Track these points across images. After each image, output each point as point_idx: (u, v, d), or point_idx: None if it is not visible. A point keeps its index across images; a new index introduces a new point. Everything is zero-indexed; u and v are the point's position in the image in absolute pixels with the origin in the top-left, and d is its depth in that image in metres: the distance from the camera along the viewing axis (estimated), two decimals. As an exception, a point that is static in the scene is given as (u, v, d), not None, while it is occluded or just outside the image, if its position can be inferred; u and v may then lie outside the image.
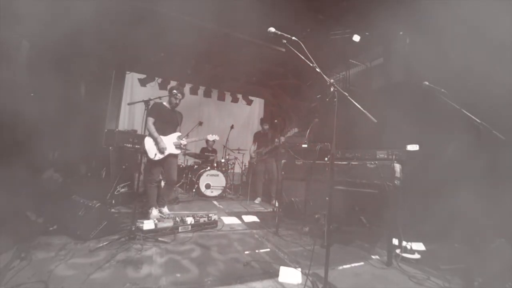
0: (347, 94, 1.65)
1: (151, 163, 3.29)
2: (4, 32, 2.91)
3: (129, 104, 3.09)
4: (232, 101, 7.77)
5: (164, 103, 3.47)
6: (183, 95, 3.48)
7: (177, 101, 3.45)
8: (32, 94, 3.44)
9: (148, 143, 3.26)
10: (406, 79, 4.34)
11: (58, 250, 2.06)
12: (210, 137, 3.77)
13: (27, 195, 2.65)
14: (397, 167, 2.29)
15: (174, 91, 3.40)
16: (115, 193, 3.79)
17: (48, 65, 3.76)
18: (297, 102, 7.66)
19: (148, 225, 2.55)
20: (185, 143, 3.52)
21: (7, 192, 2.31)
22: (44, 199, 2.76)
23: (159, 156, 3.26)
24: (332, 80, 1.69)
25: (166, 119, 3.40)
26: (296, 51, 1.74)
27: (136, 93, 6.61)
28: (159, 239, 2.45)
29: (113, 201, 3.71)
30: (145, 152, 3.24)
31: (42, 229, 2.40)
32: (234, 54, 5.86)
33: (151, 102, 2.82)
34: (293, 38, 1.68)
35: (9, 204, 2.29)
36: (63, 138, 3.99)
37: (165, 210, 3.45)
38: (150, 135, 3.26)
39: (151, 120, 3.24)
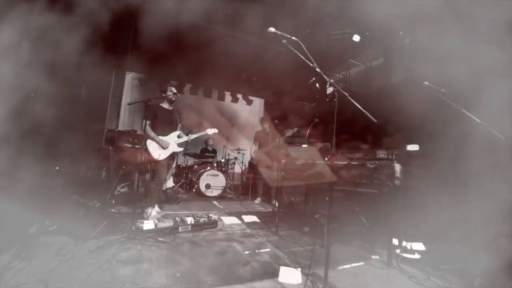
0: (347, 94, 1.65)
1: (159, 163, 3.31)
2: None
3: (129, 104, 3.09)
4: (232, 101, 7.76)
5: (161, 104, 3.48)
6: (176, 94, 3.49)
7: (173, 98, 3.45)
8: (32, 94, 3.43)
9: (151, 146, 3.28)
10: (406, 79, 4.34)
11: (58, 250, 2.05)
12: (210, 131, 3.76)
13: (28, 195, 2.64)
14: (397, 167, 2.29)
15: (172, 88, 3.43)
16: (115, 193, 3.79)
17: (48, 65, 3.76)
18: (297, 102, 7.65)
19: (148, 225, 2.55)
20: (186, 139, 3.53)
21: (7, 192, 2.31)
22: (44, 199, 2.75)
23: (164, 155, 3.29)
24: (332, 80, 1.69)
25: (164, 119, 3.40)
26: (296, 51, 1.74)
27: (136, 93, 6.61)
28: (159, 239, 2.45)
29: (113, 201, 3.71)
30: (149, 155, 3.24)
31: (42, 229, 2.40)
32: (234, 54, 5.85)
33: (151, 102, 2.83)
34: (293, 38, 1.69)
35: (11, 204, 2.28)
36: (63, 138, 3.99)
37: (158, 209, 3.48)
38: (148, 136, 3.27)
39: (147, 122, 3.24)
